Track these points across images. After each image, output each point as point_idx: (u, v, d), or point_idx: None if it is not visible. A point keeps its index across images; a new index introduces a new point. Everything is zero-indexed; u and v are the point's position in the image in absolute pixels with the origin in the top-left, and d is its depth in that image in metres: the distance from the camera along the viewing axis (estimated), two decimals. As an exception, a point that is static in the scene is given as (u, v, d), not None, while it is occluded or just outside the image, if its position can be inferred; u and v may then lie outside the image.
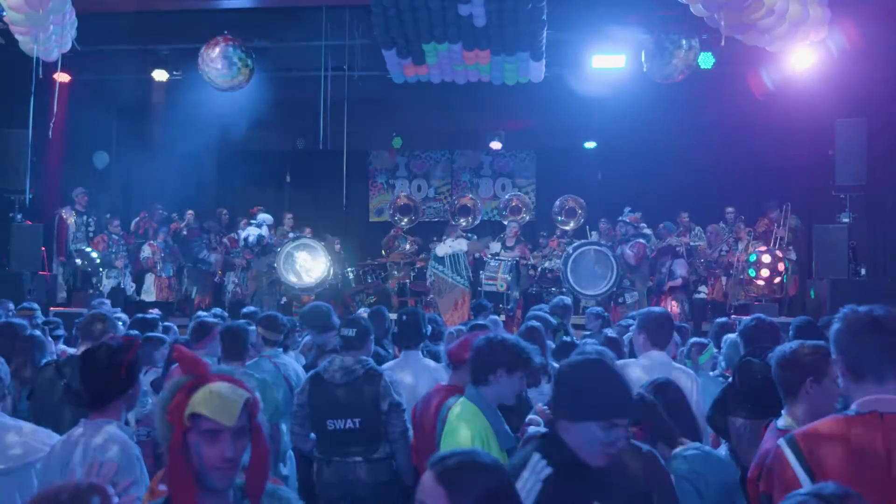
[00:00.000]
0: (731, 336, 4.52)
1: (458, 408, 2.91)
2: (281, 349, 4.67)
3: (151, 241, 10.85)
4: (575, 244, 10.32)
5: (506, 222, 12.27)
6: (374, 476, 3.62)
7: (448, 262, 9.85)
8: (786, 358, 2.45)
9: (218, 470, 1.70)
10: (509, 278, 10.42)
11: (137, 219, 11.52)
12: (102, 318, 4.26)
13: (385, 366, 4.15)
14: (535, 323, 4.65)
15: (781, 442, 2.01)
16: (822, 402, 2.33)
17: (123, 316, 5.95)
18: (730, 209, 10.83)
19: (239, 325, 4.29)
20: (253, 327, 4.45)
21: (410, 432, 3.68)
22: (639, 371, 3.71)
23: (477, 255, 11.40)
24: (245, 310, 6.88)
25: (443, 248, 10.00)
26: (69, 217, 10.76)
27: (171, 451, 1.69)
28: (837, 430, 1.96)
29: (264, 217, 10.92)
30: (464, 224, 12.44)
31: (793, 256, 9.88)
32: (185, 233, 11.23)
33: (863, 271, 8.45)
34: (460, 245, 9.92)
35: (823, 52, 8.03)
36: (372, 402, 3.65)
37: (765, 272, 9.29)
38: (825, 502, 1.52)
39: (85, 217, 10.91)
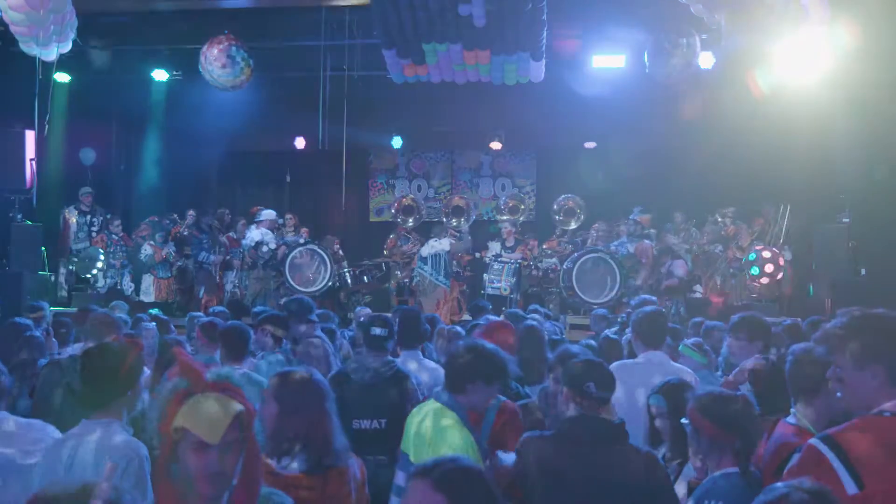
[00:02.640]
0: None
1: (431, 412, 2.86)
2: (289, 346, 4.67)
3: (151, 242, 10.84)
4: (573, 256, 10.29)
5: (501, 220, 12.22)
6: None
7: (431, 261, 9.87)
8: (810, 356, 2.43)
9: (205, 482, 1.68)
10: (513, 281, 10.42)
11: (143, 224, 11.41)
12: (108, 318, 4.27)
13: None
14: (533, 322, 4.65)
15: (817, 443, 1.97)
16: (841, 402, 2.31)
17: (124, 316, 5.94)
18: (731, 209, 10.83)
19: (241, 326, 4.28)
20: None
21: None
22: (638, 372, 3.72)
23: (477, 255, 11.38)
24: (256, 309, 6.84)
25: (427, 249, 10.03)
26: (71, 217, 10.76)
27: (159, 462, 1.68)
28: (877, 431, 1.94)
29: (266, 213, 10.82)
30: (455, 224, 12.44)
31: (787, 256, 9.86)
32: (185, 232, 11.23)
33: (863, 271, 8.45)
34: (443, 245, 9.94)
35: (823, 52, 8.03)
36: (398, 404, 3.64)
37: (765, 271, 9.30)
38: (808, 495, 1.54)
39: (88, 217, 10.90)
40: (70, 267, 10.28)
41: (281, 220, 11.12)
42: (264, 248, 10.37)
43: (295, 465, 2.50)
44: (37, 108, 8.41)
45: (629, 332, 4.16)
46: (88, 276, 10.22)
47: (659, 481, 2.47)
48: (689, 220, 11.26)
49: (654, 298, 6.47)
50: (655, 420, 3.07)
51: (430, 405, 2.91)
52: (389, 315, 4.77)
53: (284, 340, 4.67)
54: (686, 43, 8.64)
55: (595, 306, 9.07)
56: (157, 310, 7.65)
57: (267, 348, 4.58)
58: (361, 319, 5.17)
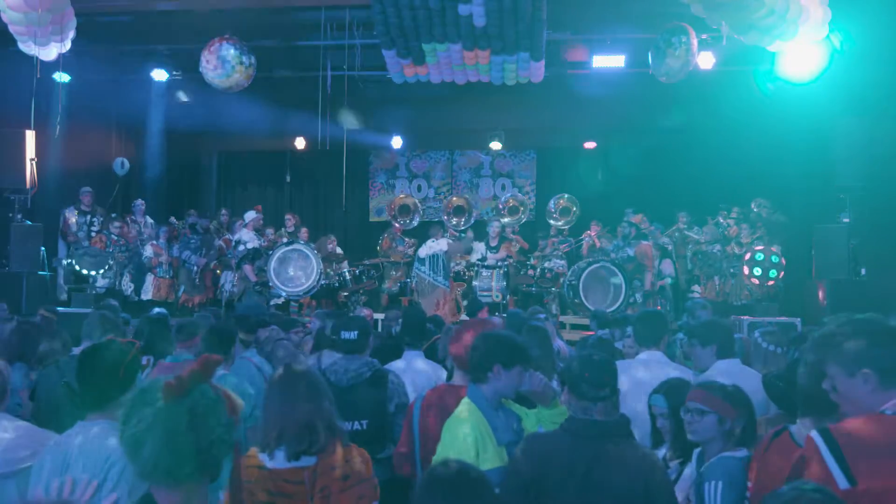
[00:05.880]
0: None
1: (460, 407, 2.92)
2: (255, 350, 4.64)
3: (153, 242, 10.83)
4: (575, 270, 10.24)
5: (503, 220, 12.17)
6: (379, 475, 3.60)
7: (429, 262, 9.85)
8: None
9: None
10: (504, 285, 10.42)
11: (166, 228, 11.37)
12: (106, 318, 4.25)
13: (389, 365, 4.12)
14: (538, 323, 4.65)
15: (815, 435, 1.97)
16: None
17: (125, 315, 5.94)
18: (734, 209, 10.84)
19: (227, 326, 4.26)
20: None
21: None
22: (638, 371, 3.72)
23: (461, 262, 11.27)
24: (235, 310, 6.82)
25: (424, 249, 10.02)
26: (71, 217, 10.74)
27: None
28: (877, 428, 1.93)
29: (247, 215, 10.92)
30: (454, 223, 12.40)
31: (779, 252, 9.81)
32: (184, 230, 11.25)
33: (863, 271, 8.45)
34: (440, 246, 9.93)
35: (823, 52, 8.03)
36: (379, 404, 3.65)
37: (758, 271, 9.31)
38: (824, 495, 1.54)
39: (88, 217, 10.88)
40: (72, 262, 10.19)
41: (260, 217, 11.10)
42: (240, 248, 10.42)
43: (280, 457, 2.49)
44: (33, 107, 8.42)
45: (629, 330, 4.17)
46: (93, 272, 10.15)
47: (657, 479, 2.46)
48: (690, 220, 11.26)
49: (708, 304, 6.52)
50: (657, 420, 3.07)
51: (462, 404, 2.95)
52: (361, 316, 4.75)
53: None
54: (682, 43, 8.61)
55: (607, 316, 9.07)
56: (162, 309, 7.61)
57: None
58: (319, 324, 5.15)
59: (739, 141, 11.36)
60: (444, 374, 4.15)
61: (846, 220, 8.46)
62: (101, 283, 10.19)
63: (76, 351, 4.32)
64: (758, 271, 9.29)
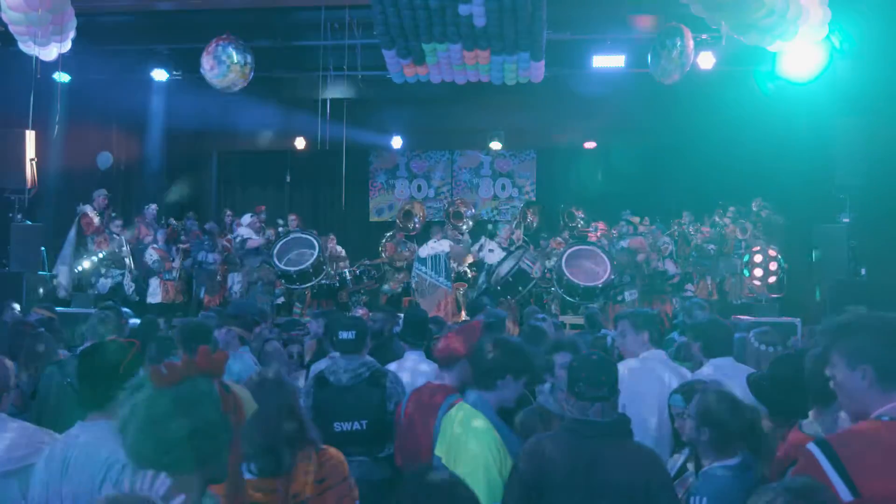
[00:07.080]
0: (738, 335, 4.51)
1: (462, 415, 2.86)
2: (248, 347, 4.65)
3: (155, 245, 10.71)
4: (558, 253, 10.19)
5: (501, 224, 12.05)
6: (379, 474, 3.62)
7: (430, 262, 9.79)
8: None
9: None
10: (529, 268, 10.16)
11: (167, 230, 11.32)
12: (109, 318, 4.26)
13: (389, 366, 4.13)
14: (538, 323, 4.65)
15: (812, 447, 1.93)
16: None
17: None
18: (731, 208, 10.84)
19: (201, 323, 4.28)
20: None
21: None
22: (642, 370, 3.72)
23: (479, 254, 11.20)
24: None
25: (425, 250, 9.96)
26: (94, 216, 10.54)
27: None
28: (875, 435, 1.89)
29: (243, 217, 10.95)
30: (453, 226, 12.36)
31: (770, 252, 9.78)
32: (182, 237, 11.21)
33: (863, 271, 8.45)
34: (442, 246, 9.88)
35: (823, 52, 8.04)
36: (378, 404, 3.66)
37: (758, 271, 9.30)
38: (794, 495, 1.53)
39: (101, 218, 10.81)
40: (99, 256, 10.08)
41: (258, 219, 11.08)
42: (238, 239, 10.45)
43: (252, 468, 2.47)
44: (31, 107, 8.41)
45: (622, 326, 4.15)
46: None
47: (658, 479, 2.46)
48: (693, 219, 11.28)
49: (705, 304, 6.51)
50: (675, 420, 3.05)
51: (461, 408, 2.90)
52: (359, 316, 4.77)
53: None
54: (676, 45, 8.59)
55: (588, 289, 9.02)
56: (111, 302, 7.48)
57: (231, 348, 4.53)
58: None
59: (739, 141, 11.37)
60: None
61: (846, 220, 8.46)
62: (102, 283, 10.16)
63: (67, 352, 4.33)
64: (758, 272, 9.29)
